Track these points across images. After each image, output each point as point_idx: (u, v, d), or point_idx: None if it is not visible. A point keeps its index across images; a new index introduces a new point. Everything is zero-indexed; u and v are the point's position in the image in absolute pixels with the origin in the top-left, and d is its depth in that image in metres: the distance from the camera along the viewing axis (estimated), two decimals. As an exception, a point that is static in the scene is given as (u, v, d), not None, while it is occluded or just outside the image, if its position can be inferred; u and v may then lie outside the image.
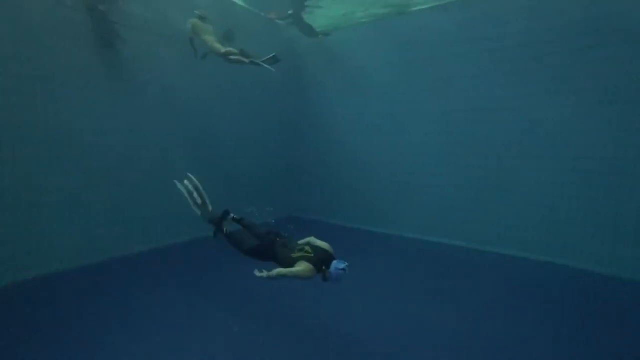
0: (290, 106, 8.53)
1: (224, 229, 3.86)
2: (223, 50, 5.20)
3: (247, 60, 5.20)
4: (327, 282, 3.12)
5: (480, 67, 6.06)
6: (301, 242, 3.45)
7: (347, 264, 3.09)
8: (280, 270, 3.12)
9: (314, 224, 7.76)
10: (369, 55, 7.31)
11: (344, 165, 7.91)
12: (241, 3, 7.18)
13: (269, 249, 3.43)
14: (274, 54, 5.29)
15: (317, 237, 3.46)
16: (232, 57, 5.18)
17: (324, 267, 3.09)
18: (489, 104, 6.06)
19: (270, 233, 3.59)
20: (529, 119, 5.71)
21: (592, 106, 5.23)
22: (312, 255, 3.18)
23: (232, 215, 3.96)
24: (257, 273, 3.13)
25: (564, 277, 4.96)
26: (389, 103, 7.15)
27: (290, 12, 7.42)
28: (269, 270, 3.13)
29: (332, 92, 7.97)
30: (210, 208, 4.11)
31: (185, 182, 4.21)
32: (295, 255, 3.24)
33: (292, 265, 3.15)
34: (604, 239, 5.19)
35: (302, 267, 3.07)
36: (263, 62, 5.30)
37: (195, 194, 4.10)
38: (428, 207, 6.77)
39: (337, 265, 3.07)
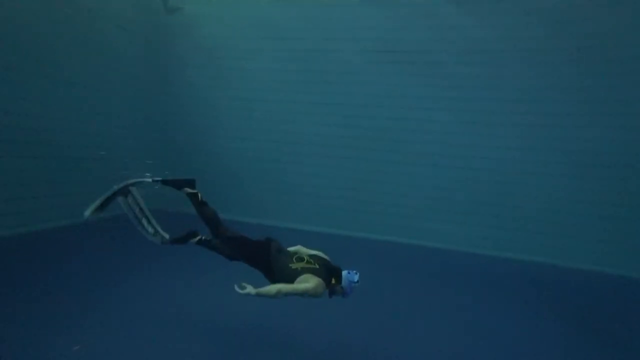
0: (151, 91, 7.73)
1: (197, 238, 2.98)
2: None
3: None
4: (334, 297, 2.62)
5: (354, 65, 6.82)
6: (290, 249, 2.84)
7: (358, 274, 2.62)
8: (282, 286, 2.40)
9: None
10: (238, 41, 7.30)
11: (215, 154, 7.61)
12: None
13: (264, 251, 2.66)
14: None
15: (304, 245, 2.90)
16: None
17: (333, 281, 2.57)
18: (366, 99, 6.88)
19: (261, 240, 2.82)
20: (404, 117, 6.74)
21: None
22: (317, 266, 2.60)
23: (200, 236, 2.97)
24: (239, 289, 2.34)
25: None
26: (263, 90, 7.28)
27: None
28: (255, 284, 2.40)
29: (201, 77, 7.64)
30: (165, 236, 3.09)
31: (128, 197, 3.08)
32: (294, 265, 2.57)
33: (292, 278, 2.48)
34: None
35: (312, 282, 2.44)
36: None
37: (140, 215, 3.09)
38: (309, 198, 7.15)
39: (350, 277, 2.57)
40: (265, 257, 2.61)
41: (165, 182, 2.92)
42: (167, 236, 3.06)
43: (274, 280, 2.54)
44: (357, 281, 2.58)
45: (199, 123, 7.66)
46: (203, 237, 2.94)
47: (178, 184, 2.91)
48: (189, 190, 2.89)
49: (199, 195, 2.90)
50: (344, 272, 2.60)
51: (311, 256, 2.71)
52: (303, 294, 2.40)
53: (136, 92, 7.42)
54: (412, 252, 6.44)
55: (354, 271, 2.62)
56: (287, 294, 2.40)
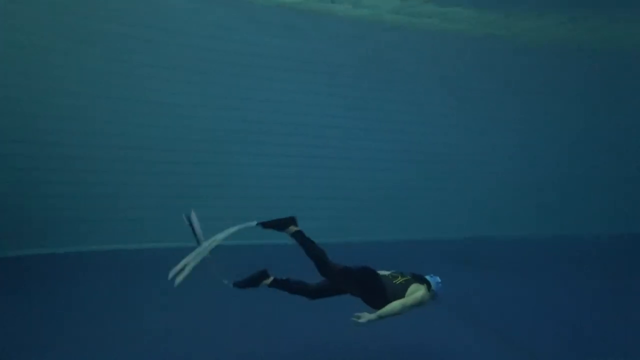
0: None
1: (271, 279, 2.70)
2: None
3: None
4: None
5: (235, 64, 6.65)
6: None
7: (438, 277, 2.62)
8: (403, 301, 2.40)
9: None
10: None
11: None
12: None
13: (373, 276, 2.57)
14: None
15: None
16: None
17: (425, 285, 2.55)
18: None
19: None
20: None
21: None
22: (409, 277, 2.60)
23: (273, 277, 2.69)
24: (359, 319, 2.33)
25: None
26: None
27: None
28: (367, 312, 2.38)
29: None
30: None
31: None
32: (397, 281, 2.55)
33: (403, 294, 2.46)
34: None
35: (422, 290, 2.47)
36: None
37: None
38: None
39: (434, 279, 2.58)
40: (377, 282, 2.54)
41: (265, 225, 2.63)
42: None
43: (386, 302, 2.44)
44: (440, 282, 2.58)
45: None
46: (277, 278, 2.67)
47: (280, 225, 2.64)
48: (295, 228, 2.64)
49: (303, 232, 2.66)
50: (428, 277, 2.58)
51: (396, 272, 2.67)
52: (420, 303, 2.43)
53: None
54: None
55: (432, 274, 2.61)
56: (411, 307, 2.41)
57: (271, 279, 2.64)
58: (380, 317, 2.34)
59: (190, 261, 2.50)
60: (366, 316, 2.33)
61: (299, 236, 2.61)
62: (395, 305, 2.37)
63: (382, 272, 2.64)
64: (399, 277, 2.59)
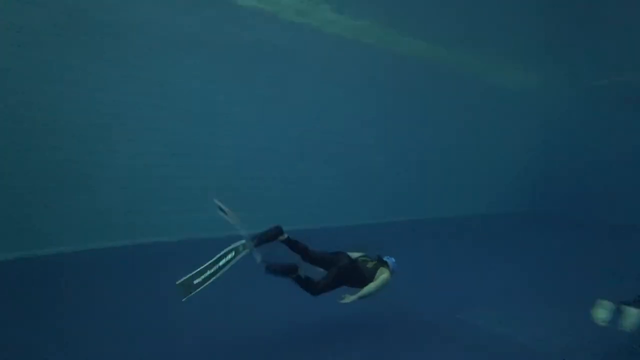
0: None
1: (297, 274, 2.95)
2: None
3: None
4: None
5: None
6: (352, 254, 3.22)
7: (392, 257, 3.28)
8: (377, 284, 2.97)
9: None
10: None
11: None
12: None
13: (355, 268, 3.07)
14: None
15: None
16: None
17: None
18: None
19: (339, 253, 3.18)
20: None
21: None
22: (376, 261, 3.20)
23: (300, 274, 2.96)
24: (344, 300, 2.87)
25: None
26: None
27: None
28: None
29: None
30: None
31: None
32: (369, 265, 3.13)
33: (374, 276, 3.04)
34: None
35: (386, 273, 3.07)
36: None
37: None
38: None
39: (391, 260, 3.22)
40: (358, 269, 3.07)
41: (260, 240, 2.90)
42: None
43: (365, 284, 2.99)
44: (394, 261, 3.22)
45: None
46: (303, 275, 2.95)
47: (270, 236, 2.94)
48: (283, 237, 3.00)
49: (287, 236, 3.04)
50: (384, 258, 3.22)
51: (364, 256, 3.23)
52: (387, 283, 3.01)
53: None
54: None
55: (389, 256, 3.26)
56: (382, 287, 2.98)
57: (297, 274, 2.90)
58: (360, 298, 2.90)
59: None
60: (349, 298, 2.88)
61: (287, 241, 3.02)
62: (370, 287, 2.94)
63: (353, 255, 3.17)
64: (369, 261, 3.14)
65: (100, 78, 5.74)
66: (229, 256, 2.75)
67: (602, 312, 2.95)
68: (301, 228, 5.30)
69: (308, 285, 2.91)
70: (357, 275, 3.04)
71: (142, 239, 5.97)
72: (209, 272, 2.66)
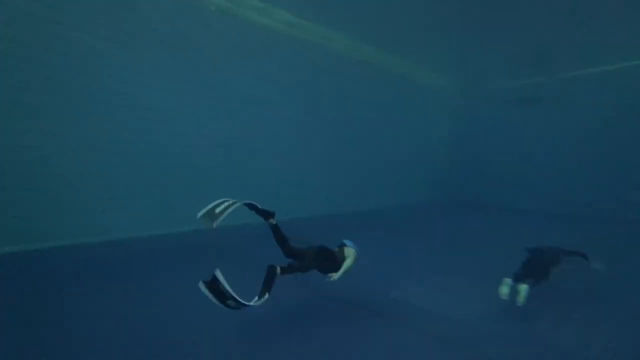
0: None
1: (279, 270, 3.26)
2: None
3: None
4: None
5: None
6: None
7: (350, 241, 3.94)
8: (349, 262, 3.64)
9: None
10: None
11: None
12: None
13: (328, 250, 3.67)
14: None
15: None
16: None
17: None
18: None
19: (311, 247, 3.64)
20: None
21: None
22: (337, 247, 3.84)
23: (279, 267, 3.26)
24: (332, 278, 3.53)
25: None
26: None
27: None
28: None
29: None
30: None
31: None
32: (337, 250, 3.78)
33: (344, 257, 3.70)
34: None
35: (352, 251, 3.76)
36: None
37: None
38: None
39: (350, 242, 3.88)
40: (332, 253, 3.68)
41: (251, 207, 3.39)
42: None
43: (338, 266, 3.60)
44: (353, 242, 3.91)
45: None
46: (282, 266, 3.31)
47: (262, 213, 3.43)
48: (272, 222, 3.47)
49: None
50: (344, 241, 3.89)
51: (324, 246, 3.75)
52: (356, 260, 3.72)
53: None
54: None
55: (347, 239, 3.92)
56: (353, 263, 3.68)
57: (278, 269, 3.25)
58: (344, 273, 3.56)
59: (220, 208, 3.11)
60: (335, 275, 3.53)
61: (274, 227, 3.47)
62: (348, 262, 3.62)
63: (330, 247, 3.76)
64: (336, 248, 3.80)
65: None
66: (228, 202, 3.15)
67: (504, 288, 3.68)
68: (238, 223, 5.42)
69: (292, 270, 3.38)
70: (332, 258, 3.64)
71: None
72: (224, 205, 3.08)
